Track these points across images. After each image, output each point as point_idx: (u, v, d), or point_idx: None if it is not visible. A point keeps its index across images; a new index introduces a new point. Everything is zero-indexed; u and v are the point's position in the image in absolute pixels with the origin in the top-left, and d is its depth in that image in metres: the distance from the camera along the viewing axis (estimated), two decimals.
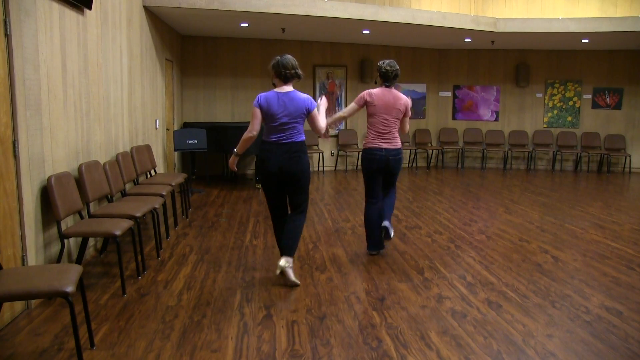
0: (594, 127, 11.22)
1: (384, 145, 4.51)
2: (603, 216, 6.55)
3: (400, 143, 4.61)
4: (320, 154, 10.33)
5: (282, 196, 4.02)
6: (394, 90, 4.58)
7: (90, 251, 4.56)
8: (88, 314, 2.92)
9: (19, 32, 3.29)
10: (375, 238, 4.63)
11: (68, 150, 4.09)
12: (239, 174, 9.79)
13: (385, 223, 4.52)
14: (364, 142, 4.65)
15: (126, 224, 3.79)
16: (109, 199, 4.64)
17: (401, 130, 4.66)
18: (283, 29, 8.62)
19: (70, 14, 4.16)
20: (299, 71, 3.93)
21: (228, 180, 9.17)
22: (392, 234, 4.52)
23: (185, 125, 9.23)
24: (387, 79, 4.54)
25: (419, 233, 5.55)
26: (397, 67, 4.56)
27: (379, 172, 4.58)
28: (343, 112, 4.72)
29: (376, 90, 4.56)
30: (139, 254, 4.11)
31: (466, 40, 9.88)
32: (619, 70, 11.01)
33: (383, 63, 4.55)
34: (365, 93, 4.56)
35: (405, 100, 4.59)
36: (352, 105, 4.62)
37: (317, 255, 4.71)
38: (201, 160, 9.21)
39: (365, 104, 4.56)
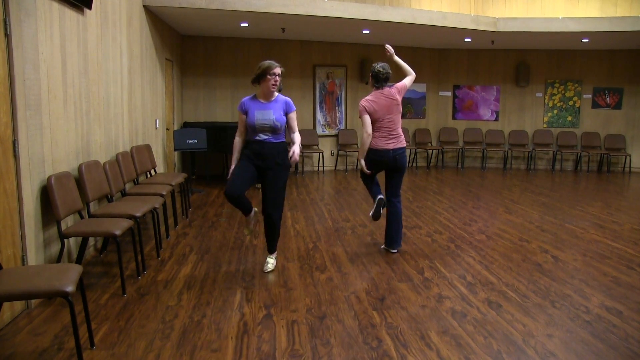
0: (594, 126, 11.22)
1: (392, 146, 4.56)
2: (603, 216, 6.55)
3: (405, 142, 4.67)
4: (320, 154, 10.33)
5: None
6: (384, 89, 4.62)
7: (90, 251, 4.57)
8: (88, 313, 2.92)
9: (19, 32, 3.29)
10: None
11: (68, 150, 4.09)
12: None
13: (395, 249, 4.81)
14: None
15: (126, 223, 3.80)
16: (109, 198, 4.64)
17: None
18: (283, 29, 8.62)
19: (70, 13, 4.16)
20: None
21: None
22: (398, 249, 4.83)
23: (185, 125, 9.22)
24: (378, 81, 4.61)
25: (419, 233, 5.55)
26: (390, 70, 4.61)
27: (381, 170, 4.70)
28: (366, 134, 4.54)
29: (371, 98, 4.57)
30: (139, 254, 4.11)
31: (466, 40, 9.88)
32: (619, 70, 11.01)
33: (377, 65, 4.62)
34: (362, 106, 4.55)
35: (396, 88, 4.65)
36: (366, 120, 4.53)
37: (317, 255, 4.71)
38: (201, 160, 9.21)
39: (368, 113, 4.57)
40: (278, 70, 3.99)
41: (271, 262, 4.29)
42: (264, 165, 4.04)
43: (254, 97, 4.11)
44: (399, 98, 4.62)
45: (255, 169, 4.05)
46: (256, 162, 4.05)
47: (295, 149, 3.99)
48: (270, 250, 4.32)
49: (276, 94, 4.11)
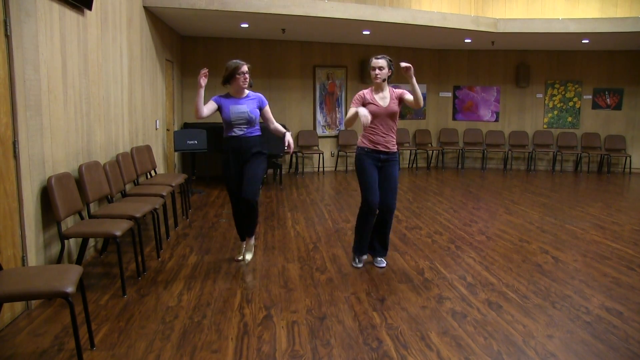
0: (594, 127, 11.22)
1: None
2: (603, 217, 6.55)
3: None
4: (321, 155, 10.33)
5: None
6: None
7: (90, 252, 4.56)
8: (88, 314, 2.92)
9: (19, 33, 3.29)
10: None
11: (68, 150, 4.09)
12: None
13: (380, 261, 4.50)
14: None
15: (126, 224, 3.79)
16: (109, 199, 4.64)
17: None
18: (283, 30, 8.62)
19: (70, 14, 4.16)
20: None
21: None
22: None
23: (186, 125, 9.22)
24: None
25: (419, 234, 5.55)
26: None
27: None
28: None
29: None
30: (139, 255, 4.11)
31: (466, 40, 9.88)
32: (619, 70, 11.01)
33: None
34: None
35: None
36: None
37: (318, 256, 4.71)
38: (201, 160, 9.21)
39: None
40: (245, 68, 4.24)
41: (251, 243, 4.53)
42: (244, 158, 4.28)
43: (227, 95, 4.35)
44: None
45: (239, 168, 4.30)
46: (237, 159, 4.28)
47: (288, 138, 4.24)
48: (250, 233, 4.50)
49: (247, 91, 4.34)
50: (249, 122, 4.24)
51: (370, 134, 4.21)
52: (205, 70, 4.07)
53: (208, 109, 4.24)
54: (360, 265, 4.39)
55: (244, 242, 4.56)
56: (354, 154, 4.42)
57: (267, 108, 4.38)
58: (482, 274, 4.26)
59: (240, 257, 4.51)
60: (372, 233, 4.39)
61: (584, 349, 2.94)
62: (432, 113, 11.61)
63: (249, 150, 4.27)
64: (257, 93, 4.39)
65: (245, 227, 4.47)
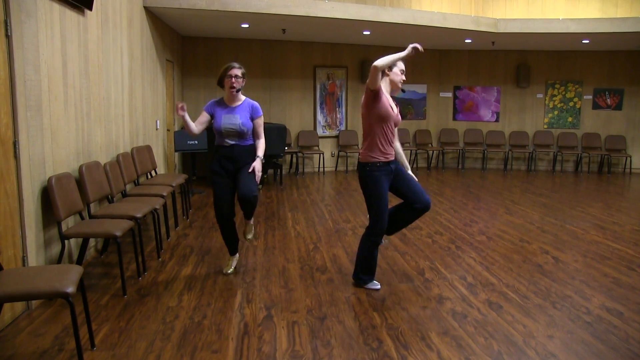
0: (594, 127, 11.22)
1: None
2: (604, 217, 6.55)
3: (361, 154, 3.81)
4: (321, 155, 10.33)
5: None
6: None
7: (90, 252, 4.57)
8: (89, 314, 2.92)
9: (20, 33, 3.30)
10: None
11: (68, 150, 4.09)
12: None
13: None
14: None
15: (127, 224, 3.80)
16: (109, 199, 4.64)
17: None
18: (284, 30, 8.62)
19: (70, 14, 4.16)
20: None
21: None
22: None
23: None
24: None
25: (419, 234, 5.55)
26: None
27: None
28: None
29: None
30: (139, 255, 4.11)
31: (467, 40, 9.88)
32: (620, 70, 11.01)
33: None
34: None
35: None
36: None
37: (318, 256, 4.71)
38: (202, 161, 9.21)
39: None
40: (236, 71, 3.94)
41: (251, 223, 4.23)
42: (236, 167, 4.00)
43: (221, 101, 4.06)
44: (364, 103, 3.76)
45: (229, 179, 4.01)
46: (227, 168, 4.00)
47: (256, 165, 3.91)
48: (248, 217, 4.17)
49: (243, 97, 4.06)
50: (240, 134, 3.95)
51: (382, 143, 3.67)
52: (181, 104, 3.78)
53: (200, 122, 3.98)
54: (378, 286, 3.89)
55: (234, 256, 4.28)
56: (356, 158, 4.06)
57: (259, 121, 4.05)
58: (482, 274, 4.26)
59: (230, 270, 4.19)
60: (401, 222, 3.91)
61: (585, 349, 2.94)
62: (432, 113, 11.61)
63: (243, 159, 3.99)
64: (253, 101, 4.08)
65: (246, 213, 4.10)
